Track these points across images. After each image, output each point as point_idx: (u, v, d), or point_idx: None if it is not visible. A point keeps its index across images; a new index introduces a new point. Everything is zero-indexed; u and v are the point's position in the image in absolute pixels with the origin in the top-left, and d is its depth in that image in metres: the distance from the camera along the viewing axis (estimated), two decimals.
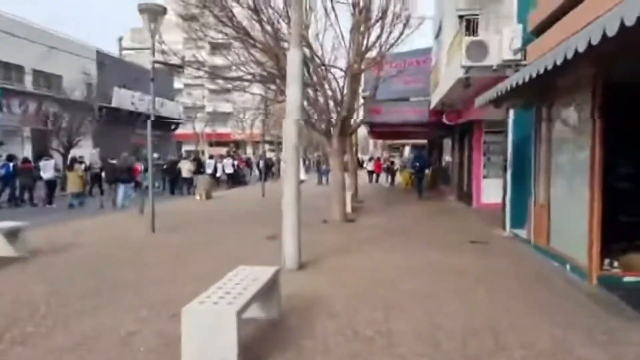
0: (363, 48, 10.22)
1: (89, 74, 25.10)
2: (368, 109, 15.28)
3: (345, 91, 10.36)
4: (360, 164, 26.57)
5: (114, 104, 26.73)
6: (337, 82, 10.76)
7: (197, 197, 15.18)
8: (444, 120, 13.64)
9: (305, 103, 10.62)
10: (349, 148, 14.98)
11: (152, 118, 9.37)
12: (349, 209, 11.54)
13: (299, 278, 5.72)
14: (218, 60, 16.96)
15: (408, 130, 20.38)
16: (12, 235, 6.90)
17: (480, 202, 12.73)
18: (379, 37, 10.47)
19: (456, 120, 13.65)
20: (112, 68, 27.17)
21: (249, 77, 10.54)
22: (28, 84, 21.42)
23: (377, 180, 25.17)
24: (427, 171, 22.14)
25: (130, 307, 4.61)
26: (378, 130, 21.19)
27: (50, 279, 5.67)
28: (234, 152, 42.09)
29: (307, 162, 48.46)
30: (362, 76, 15.27)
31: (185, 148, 44.80)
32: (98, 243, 7.93)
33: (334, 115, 10.71)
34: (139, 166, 21.44)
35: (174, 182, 18.68)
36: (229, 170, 22.40)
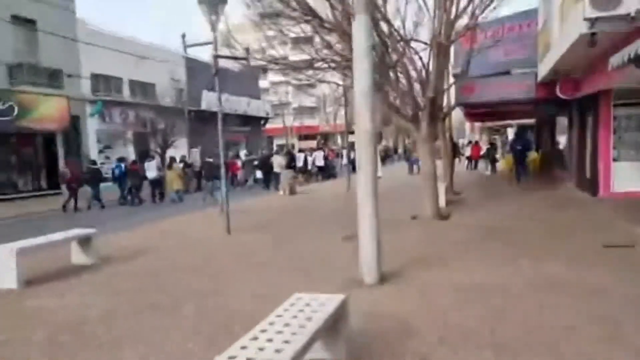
0: (452, 16, 8.60)
1: (179, 79, 26.21)
2: (460, 88, 13.38)
3: (430, 68, 8.83)
4: (457, 151, 24.14)
5: (203, 107, 27.63)
6: (422, 59, 9.25)
7: (281, 193, 14.69)
8: (558, 93, 11.30)
9: (387, 87, 9.36)
10: (442, 133, 13.27)
11: (220, 113, 8.73)
12: (442, 203, 9.99)
13: (377, 297, 4.63)
14: (298, 57, 16.36)
15: (511, 109, 17.82)
16: (85, 242, 6.73)
17: (608, 191, 10.31)
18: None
19: (574, 93, 11.23)
20: (200, 72, 28.06)
21: (321, 63, 9.48)
22: (126, 93, 22.76)
23: (475, 167, 22.74)
24: (531, 154, 19.52)
25: (183, 330, 3.98)
26: (474, 112, 18.88)
27: (112, 290, 5.34)
28: (322, 144, 42.02)
29: (396, 152, 46.51)
30: (452, 49, 13.44)
31: (277, 142, 46.16)
32: (171, 248, 7.54)
33: (420, 99, 9.25)
34: (238, 162, 22.35)
35: (268, 177, 18.93)
36: (320, 162, 22.15)
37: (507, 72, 13.59)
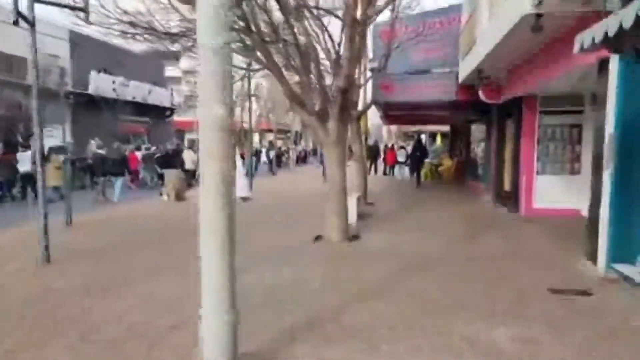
0: None
1: (57, 55, 22.11)
2: (377, 86, 11.89)
3: (342, 50, 7.03)
4: (378, 155, 23.05)
5: (91, 90, 23.73)
6: (332, 39, 7.42)
7: (165, 197, 11.98)
8: (481, 96, 10.17)
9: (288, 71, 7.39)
10: (355, 135, 11.65)
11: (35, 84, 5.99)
12: (353, 218, 8.29)
13: None
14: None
15: (427, 113, 16.87)
16: None
17: (531, 208, 9.32)
18: None
19: (497, 97, 10.18)
20: (89, 50, 24.06)
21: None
22: None
23: (392, 173, 21.77)
24: (446, 162, 19.03)
25: None
26: (392, 114, 17.71)
27: None
28: (236, 142, 39.25)
29: (315, 153, 45.03)
30: (369, 39, 11.93)
31: (188, 137, 42.75)
32: None
33: (329, 91, 7.43)
34: (137, 155, 19.17)
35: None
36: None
37: (427, 71, 12.36)
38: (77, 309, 4.34)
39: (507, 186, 10.58)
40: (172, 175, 12.44)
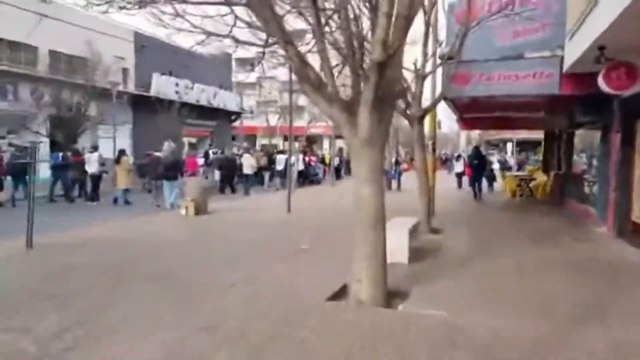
0: None
1: (124, 57, 21.91)
2: (448, 77, 9.17)
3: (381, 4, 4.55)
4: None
5: (152, 92, 23.34)
6: None
7: (182, 212, 10.17)
8: (601, 85, 7.04)
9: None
10: (417, 139, 9.05)
11: None
12: (403, 257, 5.78)
13: None
14: None
15: (515, 115, 13.62)
16: None
17: None
18: None
19: (626, 86, 6.99)
20: (151, 51, 23.75)
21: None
22: (42, 67, 18.30)
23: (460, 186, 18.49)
24: (539, 177, 15.51)
25: None
26: (469, 116, 14.65)
27: None
28: (305, 147, 37.84)
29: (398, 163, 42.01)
30: (440, 14, 9.34)
31: (260, 142, 42.59)
32: None
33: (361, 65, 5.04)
34: (197, 159, 18.68)
35: (230, 179, 17.26)
36: (300, 167, 20.14)
37: (519, 57, 9.32)
38: None
39: (638, 215, 7.30)
40: (192, 186, 10.58)
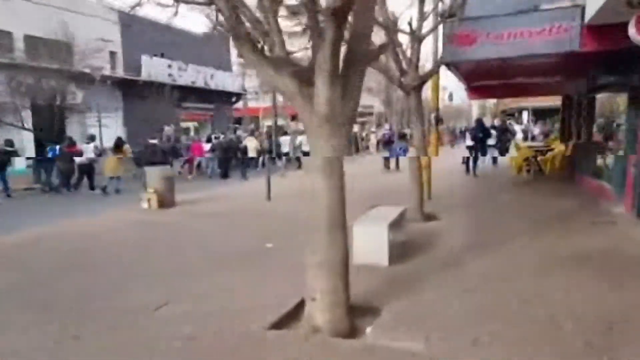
0: None
1: (110, 40, 20.69)
2: (450, 38, 7.85)
3: None
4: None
5: (143, 76, 22.20)
6: None
7: (145, 205, 8.98)
8: (634, 36, 5.67)
9: None
10: (414, 112, 7.83)
11: None
12: (382, 258, 4.67)
13: None
14: None
15: (528, 80, 12.17)
16: None
17: None
18: None
19: None
20: (139, 32, 22.47)
21: None
22: (19, 53, 17.23)
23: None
24: (557, 145, 14.08)
25: None
26: (478, 85, 13.22)
27: None
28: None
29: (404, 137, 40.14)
30: None
31: (266, 124, 41.41)
32: None
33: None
34: (202, 144, 17.69)
35: (227, 164, 16.52)
36: (306, 148, 18.24)
37: (533, 9, 7.88)
38: None
39: None
40: (154, 175, 9.27)
